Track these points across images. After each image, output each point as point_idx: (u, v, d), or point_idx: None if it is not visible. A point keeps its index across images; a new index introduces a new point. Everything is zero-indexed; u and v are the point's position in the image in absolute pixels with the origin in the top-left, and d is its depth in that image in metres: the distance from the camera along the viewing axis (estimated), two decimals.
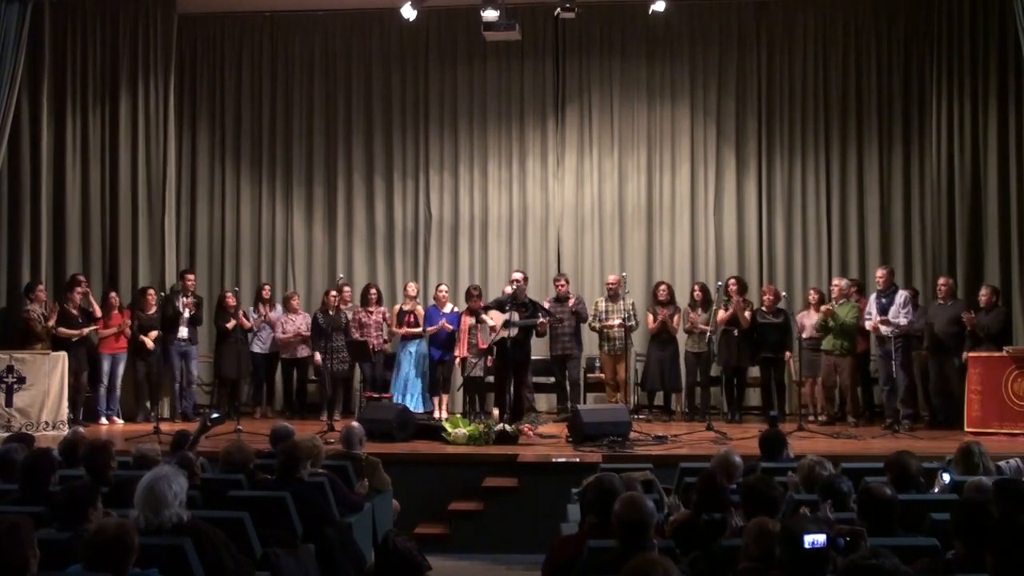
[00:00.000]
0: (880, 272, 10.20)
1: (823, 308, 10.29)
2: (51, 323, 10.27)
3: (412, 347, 10.81)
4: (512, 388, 9.58)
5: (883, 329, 9.83)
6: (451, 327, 10.67)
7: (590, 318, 10.81)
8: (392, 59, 12.38)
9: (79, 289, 10.54)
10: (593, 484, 4.64)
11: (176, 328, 10.92)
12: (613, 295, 10.72)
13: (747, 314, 10.59)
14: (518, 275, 10.22)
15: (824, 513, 3.75)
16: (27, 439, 6.51)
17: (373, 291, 11.17)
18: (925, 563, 3.84)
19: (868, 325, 10.05)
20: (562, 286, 10.80)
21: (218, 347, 11.20)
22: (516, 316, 9.63)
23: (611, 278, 10.93)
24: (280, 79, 12.47)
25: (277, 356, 11.42)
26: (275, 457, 6.12)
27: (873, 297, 10.11)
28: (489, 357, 10.01)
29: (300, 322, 11.30)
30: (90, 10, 11.59)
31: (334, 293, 11.01)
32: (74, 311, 10.44)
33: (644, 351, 11.17)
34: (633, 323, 10.60)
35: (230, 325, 11.01)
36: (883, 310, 9.89)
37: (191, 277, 11.26)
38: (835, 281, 10.64)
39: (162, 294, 11.02)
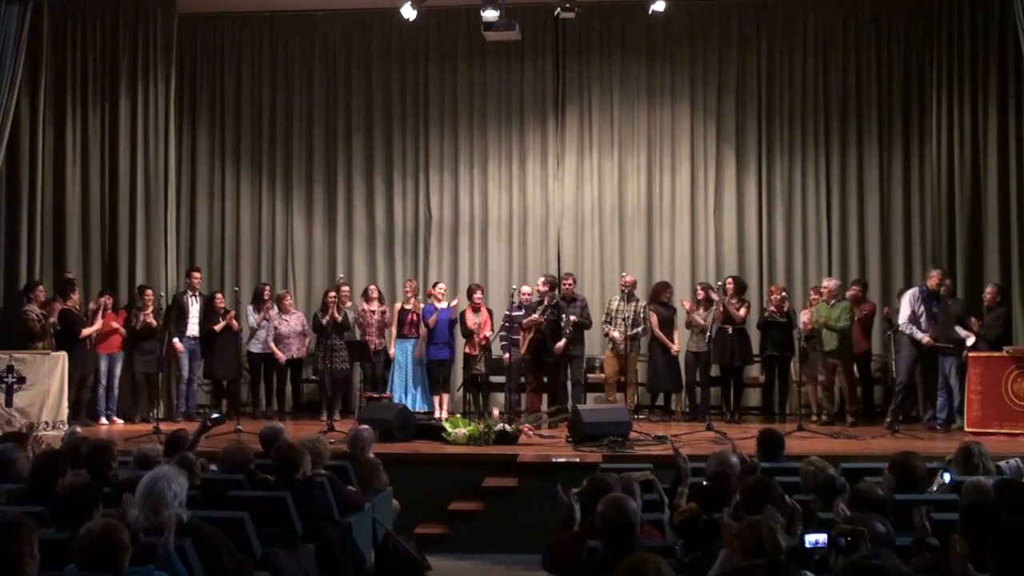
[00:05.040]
0: (936, 275, 9.90)
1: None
2: (52, 320, 10.26)
3: (409, 346, 10.85)
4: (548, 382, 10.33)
5: (968, 341, 9.68)
6: (455, 315, 10.77)
7: (603, 316, 10.92)
8: (392, 59, 12.37)
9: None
10: (588, 484, 4.66)
11: (186, 326, 10.89)
12: (629, 295, 10.73)
13: (742, 312, 10.59)
14: (543, 279, 10.71)
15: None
16: (19, 438, 6.46)
17: (372, 289, 11.18)
18: (926, 560, 3.84)
19: (923, 339, 9.70)
20: (569, 285, 10.81)
21: (207, 349, 11.14)
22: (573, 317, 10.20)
23: (627, 278, 10.92)
24: (280, 79, 12.46)
25: (275, 356, 11.39)
26: (270, 458, 6.05)
27: (917, 300, 9.82)
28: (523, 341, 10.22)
29: (295, 322, 11.29)
30: (90, 10, 11.59)
31: (333, 294, 10.99)
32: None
33: (646, 351, 11.16)
34: (642, 327, 10.67)
35: (218, 327, 10.97)
36: (931, 316, 9.73)
37: (197, 275, 11.23)
38: (824, 283, 10.56)
39: (161, 295, 10.99)
